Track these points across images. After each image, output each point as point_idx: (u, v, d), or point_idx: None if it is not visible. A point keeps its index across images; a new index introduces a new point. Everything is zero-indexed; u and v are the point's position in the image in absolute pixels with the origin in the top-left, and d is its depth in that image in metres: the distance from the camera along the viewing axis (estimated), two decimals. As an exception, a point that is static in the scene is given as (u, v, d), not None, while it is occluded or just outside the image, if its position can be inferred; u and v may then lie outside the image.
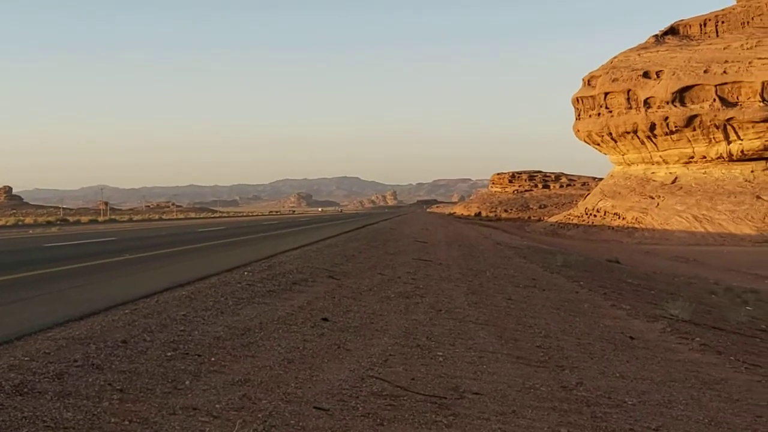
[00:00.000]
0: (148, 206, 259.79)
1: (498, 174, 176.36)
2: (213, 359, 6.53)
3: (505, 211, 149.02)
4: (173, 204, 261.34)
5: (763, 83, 72.96)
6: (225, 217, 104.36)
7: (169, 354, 6.57)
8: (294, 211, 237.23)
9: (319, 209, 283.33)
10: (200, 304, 9.43)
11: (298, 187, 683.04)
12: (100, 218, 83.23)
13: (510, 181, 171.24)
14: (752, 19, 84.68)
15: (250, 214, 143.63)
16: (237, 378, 5.97)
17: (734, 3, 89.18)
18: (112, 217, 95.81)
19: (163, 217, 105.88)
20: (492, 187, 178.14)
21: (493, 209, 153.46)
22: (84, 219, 75.80)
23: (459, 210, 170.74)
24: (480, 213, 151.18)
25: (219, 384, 5.76)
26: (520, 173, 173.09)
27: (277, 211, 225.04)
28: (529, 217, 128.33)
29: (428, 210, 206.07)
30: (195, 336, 7.43)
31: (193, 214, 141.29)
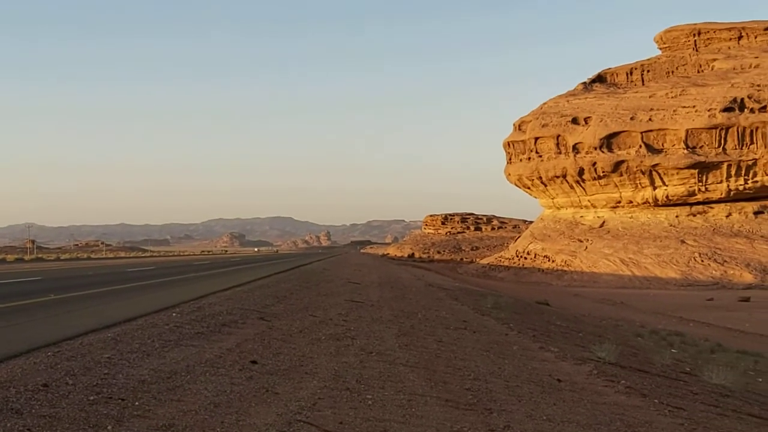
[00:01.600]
0: (77, 245, 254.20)
1: (431, 216, 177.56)
2: (137, 403, 6.38)
3: (438, 252, 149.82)
4: (102, 243, 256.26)
5: (687, 131, 75.31)
6: (156, 256, 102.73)
7: (91, 398, 6.41)
8: (226, 251, 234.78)
9: (256, 249, 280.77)
10: (126, 346, 9.24)
11: (231, 227, 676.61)
12: (27, 257, 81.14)
13: (443, 223, 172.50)
14: (676, 68, 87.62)
15: (182, 253, 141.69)
16: (161, 423, 5.85)
17: (659, 53, 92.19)
18: (39, 255, 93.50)
19: (92, 256, 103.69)
20: (425, 228, 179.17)
21: (426, 251, 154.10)
22: (9, 257, 73.83)
23: (392, 251, 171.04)
24: (413, 254, 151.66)
25: (142, 429, 5.64)
26: (452, 215, 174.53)
27: (209, 251, 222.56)
28: (462, 259, 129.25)
29: (362, 251, 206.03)
30: (119, 379, 7.27)
31: (123, 254, 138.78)
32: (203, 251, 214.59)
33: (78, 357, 8.30)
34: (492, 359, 11.30)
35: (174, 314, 13.44)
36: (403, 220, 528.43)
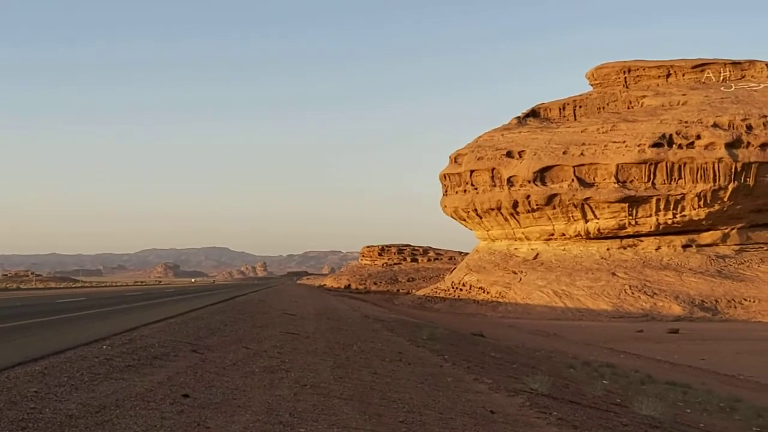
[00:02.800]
0: (6, 275, 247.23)
1: (368, 247, 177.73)
2: (64, 439, 6.24)
3: (375, 283, 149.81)
4: (32, 273, 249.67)
5: (617, 166, 77.00)
6: (87, 287, 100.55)
7: (16, 433, 6.25)
8: (160, 282, 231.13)
9: (192, 280, 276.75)
10: (54, 379, 9.02)
11: (166, 257, 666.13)
12: (-50, 287, 78.56)
13: (380, 254, 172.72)
14: (607, 104, 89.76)
15: (115, 284, 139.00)
16: (89, 458, 5.72)
17: (591, 89, 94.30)
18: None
19: (21, 286, 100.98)
20: (362, 259, 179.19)
21: (363, 282, 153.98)
22: (-69, 288, 71.38)
23: (329, 282, 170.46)
24: (350, 285, 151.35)
25: (69, 465, 5.51)
26: (389, 246, 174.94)
27: (142, 282, 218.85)
28: (398, 290, 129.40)
29: (298, 282, 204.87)
30: (46, 414, 7.09)
31: (53, 284, 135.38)
32: (137, 282, 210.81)
33: (3, 391, 8.08)
34: (426, 391, 11.34)
35: (104, 347, 13.17)
36: (340, 251, 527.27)
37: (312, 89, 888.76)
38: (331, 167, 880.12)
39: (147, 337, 15.60)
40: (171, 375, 10.20)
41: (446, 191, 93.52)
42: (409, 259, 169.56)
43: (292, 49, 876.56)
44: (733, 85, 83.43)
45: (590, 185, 78.60)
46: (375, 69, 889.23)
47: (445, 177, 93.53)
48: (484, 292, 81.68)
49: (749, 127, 74.23)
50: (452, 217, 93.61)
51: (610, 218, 79.07)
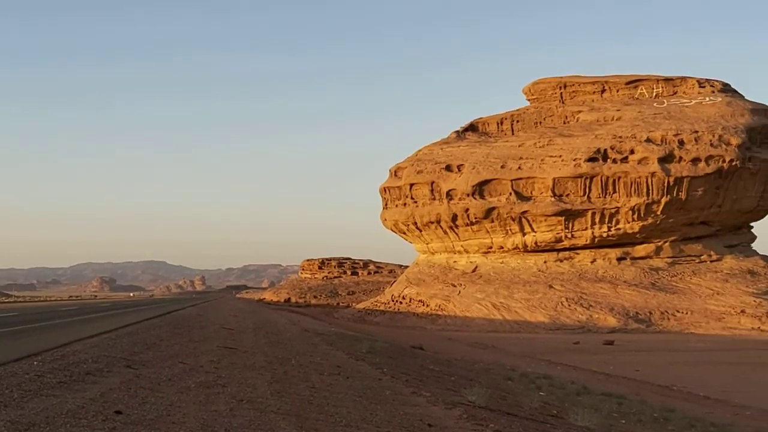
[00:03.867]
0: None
1: (308, 260, 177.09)
2: (-9, 458, 6.08)
3: (315, 297, 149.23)
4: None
5: (554, 179, 78.13)
6: (20, 302, 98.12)
7: (-60, 454, 6.07)
8: (96, 296, 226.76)
9: (131, 294, 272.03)
10: (-19, 397, 8.78)
11: (102, 271, 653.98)
12: None
13: (320, 268, 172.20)
14: (544, 119, 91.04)
15: (49, 299, 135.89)
16: (17, 478, 5.59)
17: (528, 104, 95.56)
18: None
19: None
20: (302, 273, 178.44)
21: (303, 295, 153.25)
22: None
23: (269, 296, 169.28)
24: (290, 299, 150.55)
25: (-4, 485, 5.37)
26: (329, 260, 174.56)
27: (78, 296, 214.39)
28: (338, 303, 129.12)
29: (238, 295, 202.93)
30: (-28, 433, 6.91)
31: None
32: (72, 296, 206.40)
33: (-72, 410, 7.84)
34: (364, 405, 11.32)
35: (35, 363, 12.87)
36: (280, 265, 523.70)
37: (256, 107, 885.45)
38: (271, 180, 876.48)
39: (80, 352, 15.28)
40: (104, 391, 10.00)
41: (386, 204, 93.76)
42: (349, 273, 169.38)
43: (235, 70, 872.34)
44: (665, 101, 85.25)
45: (527, 199, 79.61)
46: (317, 85, 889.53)
47: (385, 190, 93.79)
48: (423, 305, 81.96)
49: (681, 142, 75.98)
50: (392, 230, 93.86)
51: (547, 231, 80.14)
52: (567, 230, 79.35)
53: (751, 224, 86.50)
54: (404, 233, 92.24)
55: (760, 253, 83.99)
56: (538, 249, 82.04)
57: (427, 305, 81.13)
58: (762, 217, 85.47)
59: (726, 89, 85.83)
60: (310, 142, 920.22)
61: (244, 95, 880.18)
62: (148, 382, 11.33)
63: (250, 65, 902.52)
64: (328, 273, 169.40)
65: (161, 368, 13.43)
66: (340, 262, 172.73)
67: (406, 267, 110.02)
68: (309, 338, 29.03)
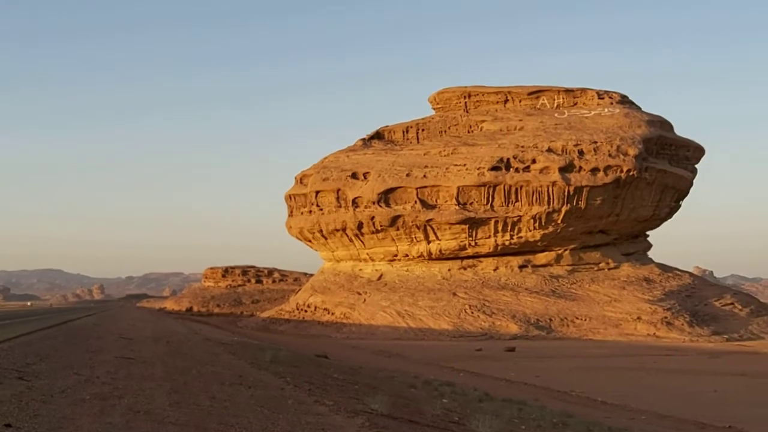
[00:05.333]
0: None
1: (211, 268, 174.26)
2: None
3: (218, 306, 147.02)
4: None
5: (458, 188, 79.04)
6: None
7: None
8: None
9: (29, 303, 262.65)
10: None
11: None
12: None
13: (223, 276, 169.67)
14: (449, 128, 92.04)
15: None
16: None
17: (433, 113, 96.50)
18: None
19: None
20: (205, 281, 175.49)
21: (206, 304, 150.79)
22: None
23: (170, 305, 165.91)
24: (192, 308, 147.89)
25: None
26: (233, 268, 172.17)
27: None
28: (242, 312, 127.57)
29: (138, 305, 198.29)
30: None
31: None
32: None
33: None
34: (266, 415, 11.16)
35: None
36: (182, 273, 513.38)
37: (151, 97, 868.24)
38: (173, 187, 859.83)
39: (-33, 365, 14.62)
40: (-8, 405, 9.58)
41: (292, 212, 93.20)
42: (253, 281, 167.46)
43: (130, 55, 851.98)
44: (566, 111, 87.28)
45: (432, 207, 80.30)
46: (221, 80, 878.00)
47: (290, 198, 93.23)
48: (328, 313, 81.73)
49: (581, 153, 77.90)
50: (298, 238, 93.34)
51: (452, 239, 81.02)
52: (471, 238, 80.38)
53: (647, 233, 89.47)
54: (310, 241, 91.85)
55: (656, 261, 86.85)
56: (442, 257, 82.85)
57: (332, 313, 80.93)
58: (657, 225, 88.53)
59: (624, 101, 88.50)
60: (213, 148, 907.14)
61: (129, 81, 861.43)
62: (41, 394, 10.92)
63: (158, 51, 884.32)
64: (232, 281, 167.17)
65: (55, 380, 12.97)
66: (244, 270, 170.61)
67: (312, 275, 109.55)
68: (210, 348, 28.56)
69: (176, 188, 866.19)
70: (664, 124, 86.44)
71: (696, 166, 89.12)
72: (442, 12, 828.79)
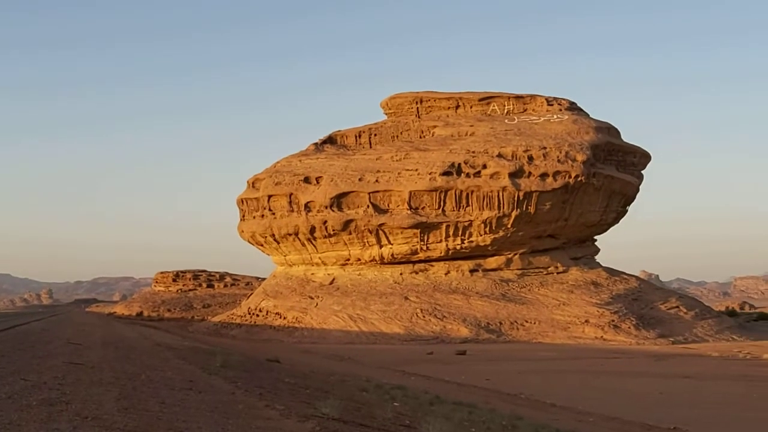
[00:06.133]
0: None
1: (162, 273, 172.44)
2: None
3: (169, 310, 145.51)
4: None
5: (410, 192, 79.38)
6: None
7: None
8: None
9: None
10: None
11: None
12: None
13: (174, 280, 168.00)
14: (401, 133, 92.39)
15: None
16: None
17: (386, 118, 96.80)
18: None
19: None
20: (155, 286, 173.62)
21: (156, 309, 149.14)
22: None
23: (120, 309, 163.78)
24: (142, 312, 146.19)
25: None
26: (184, 272, 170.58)
27: None
28: (193, 317, 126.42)
29: (87, 309, 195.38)
30: None
31: None
32: None
33: None
34: (216, 420, 11.17)
35: None
36: (133, 277, 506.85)
37: (101, 107, 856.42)
38: (123, 190, 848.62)
39: None
40: (-64, 412, 9.47)
41: (243, 216, 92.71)
42: (204, 285, 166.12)
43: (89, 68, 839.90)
44: (516, 117, 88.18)
45: (385, 211, 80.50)
46: (171, 90, 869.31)
47: (242, 202, 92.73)
48: (280, 317, 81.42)
49: (530, 158, 78.78)
50: (249, 242, 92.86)
51: (404, 244, 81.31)
52: (422, 242, 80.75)
53: (595, 237, 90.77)
54: (262, 245, 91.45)
55: (603, 265, 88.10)
56: (394, 261, 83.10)
57: (285, 318, 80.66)
58: (605, 230, 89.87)
59: (572, 107, 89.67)
60: (166, 153, 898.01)
61: (80, 94, 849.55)
62: (-14, 401, 10.80)
63: (107, 62, 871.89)
64: (183, 286, 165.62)
65: (1, 385, 12.83)
66: (196, 275, 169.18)
67: (264, 279, 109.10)
68: (161, 352, 28.36)
69: (125, 192, 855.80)
70: (611, 131, 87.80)
71: (642, 172, 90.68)
72: (394, 22, 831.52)
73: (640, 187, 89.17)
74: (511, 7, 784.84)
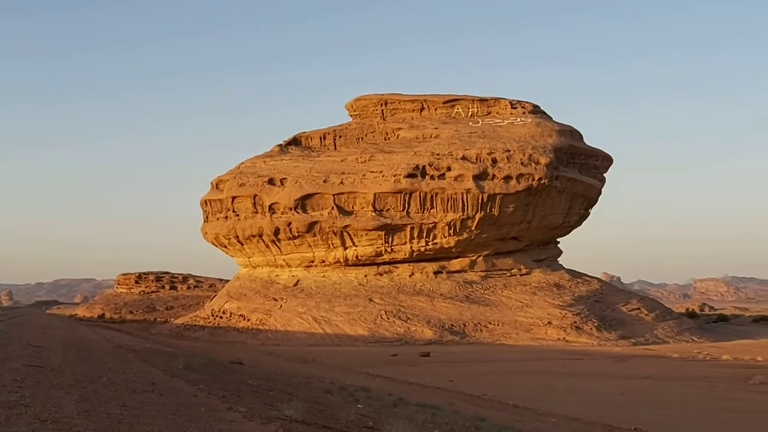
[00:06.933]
0: None
1: (124, 274, 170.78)
2: None
3: (131, 312, 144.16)
4: None
5: (375, 195, 79.43)
6: None
7: None
8: None
9: None
10: None
11: None
12: None
13: (136, 282, 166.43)
14: (366, 135, 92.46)
15: None
16: None
17: (350, 120, 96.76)
18: None
19: None
20: (118, 287, 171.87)
21: (118, 311, 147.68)
22: None
23: (81, 311, 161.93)
24: (104, 314, 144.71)
25: None
26: (147, 274, 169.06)
27: None
28: (155, 319, 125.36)
29: (48, 311, 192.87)
30: None
31: None
32: None
33: None
34: (178, 422, 11.12)
35: None
36: (95, 279, 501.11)
37: (68, 115, 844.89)
38: (83, 193, 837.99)
39: None
40: None
41: (207, 217, 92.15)
42: (167, 287, 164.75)
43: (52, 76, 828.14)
44: (480, 120, 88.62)
45: (349, 213, 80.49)
46: (134, 93, 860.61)
47: (206, 203, 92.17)
48: (244, 319, 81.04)
49: (494, 161, 79.22)
50: (213, 243, 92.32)
51: (368, 246, 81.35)
52: (387, 244, 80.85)
53: (558, 239, 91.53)
54: (225, 247, 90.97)
55: (566, 267, 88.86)
56: (359, 263, 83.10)
57: (248, 320, 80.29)
58: (567, 232, 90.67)
59: (536, 111, 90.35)
60: (128, 154, 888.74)
61: (48, 100, 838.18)
62: (-57, 405, 10.65)
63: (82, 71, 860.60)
64: (146, 287, 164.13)
65: (-42, 389, 12.64)
66: (158, 276, 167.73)
67: (227, 281, 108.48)
68: (122, 355, 28.11)
69: (88, 194, 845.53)
70: (574, 134, 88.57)
71: (604, 174, 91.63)
72: (359, 28, 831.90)
73: (602, 189, 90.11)
74: (476, 15, 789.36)
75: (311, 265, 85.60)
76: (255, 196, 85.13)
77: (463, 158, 79.84)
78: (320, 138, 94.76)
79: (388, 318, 73.86)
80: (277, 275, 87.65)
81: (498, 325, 72.40)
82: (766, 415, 25.85)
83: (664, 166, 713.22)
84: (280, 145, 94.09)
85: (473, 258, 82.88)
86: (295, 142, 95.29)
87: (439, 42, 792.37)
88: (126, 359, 25.57)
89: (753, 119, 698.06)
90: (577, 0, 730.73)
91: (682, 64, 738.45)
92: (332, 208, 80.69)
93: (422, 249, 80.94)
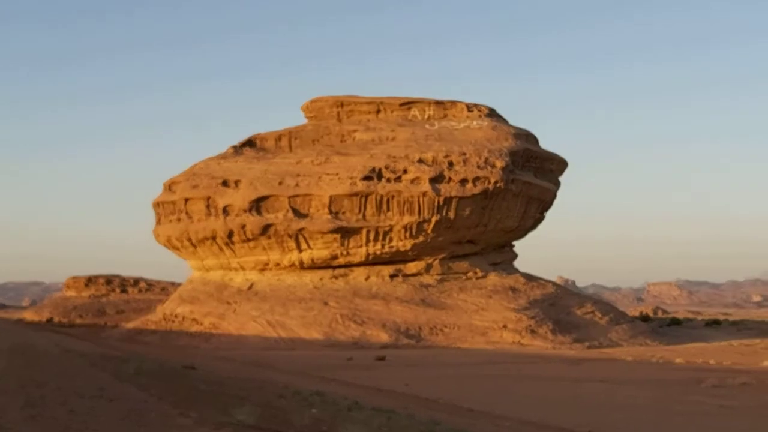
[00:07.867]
0: None
1: (73, 277, 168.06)
2: None
3: (80, 316, 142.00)
4: None
5: (330, 197, 79.12)
6: None
7: None
8: None
9: None
10: None
11: None
12: None
13: (86, 285, 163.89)
14: (322, 137, 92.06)
15: None
16: None
17: (306, 121, 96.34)
18: None
19: None
20: (66, 291, 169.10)
21: (67, 314, 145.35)
22: None
23: (29, 315, 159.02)
24: (52, 318, 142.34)
25: None
26: (97, 277, 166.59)
27: None
28: (106, 323, 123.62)
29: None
30: None
31: None
32: None
33: None
34: (127, 428, 10.77)
35: None
36: (43, 282, 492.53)
37: (17, 124, 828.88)
38: (28, 193, 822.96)
39: None
40: None
41: (159, 220, 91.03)
42: (118, 290, 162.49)
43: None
44: (436, 123, 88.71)
45: (305, 216, 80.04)
46: (80, 101, 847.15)
47: (158, 205, 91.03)
48: (197, 323, 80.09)
49: (450, 164, 79.36)
50: (165, 246, 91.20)
51: (324, 248, 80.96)
52: (343, 247, 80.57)
53: (513, 243, 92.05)
54: (178, 249, 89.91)
55: (521, 271, 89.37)
56: (314, 266, 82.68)
57: (201, 323, 79.36)
58: (523, 236, 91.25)
59: (492, 114, 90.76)
60: (76, 155, 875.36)
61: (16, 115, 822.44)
62: None
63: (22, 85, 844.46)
64: (96, 291, 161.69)
65: None
66: (109, 280, 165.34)
67: (180, 284, 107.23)
68: (71, 359, 27.49)
69: (32, 195, 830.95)
70: (529, 138, 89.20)
71: (559, 178, 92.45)
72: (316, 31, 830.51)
73: (557, 193, 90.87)
74: (437, 27, 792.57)
75: (266, 268, 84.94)
76: (208, 198, 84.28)
77: (420, 161, 79.88)
78: (275, 139, 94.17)
79: (343, 322, 73.55)
80: (230, 278, 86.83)
81: (453, 328, 72.47)
82: (719, 418, 26.08)
83: (617, 169, 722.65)
84: (235, 147, 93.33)
85: (429, 261, 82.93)
86: (249, 143, 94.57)
87: (400, 51, 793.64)
88: (75, 364, 24.99)
89: (708, 124, 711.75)
90: (538, 10, 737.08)
91: (641, 72, 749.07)
92: (287, 210, 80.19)
93: (378, 252, 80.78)
